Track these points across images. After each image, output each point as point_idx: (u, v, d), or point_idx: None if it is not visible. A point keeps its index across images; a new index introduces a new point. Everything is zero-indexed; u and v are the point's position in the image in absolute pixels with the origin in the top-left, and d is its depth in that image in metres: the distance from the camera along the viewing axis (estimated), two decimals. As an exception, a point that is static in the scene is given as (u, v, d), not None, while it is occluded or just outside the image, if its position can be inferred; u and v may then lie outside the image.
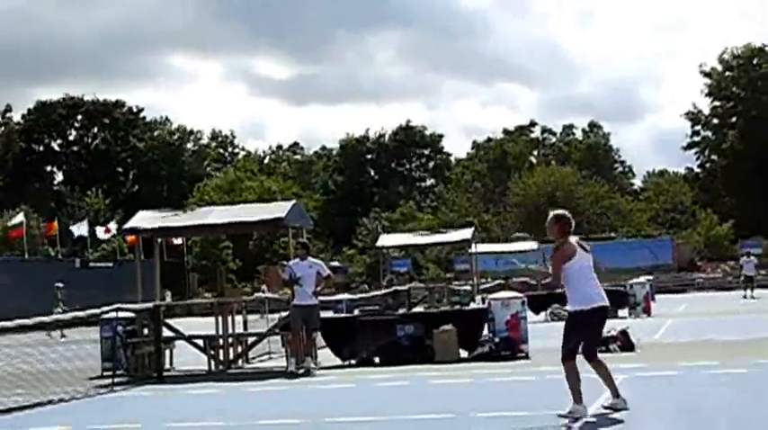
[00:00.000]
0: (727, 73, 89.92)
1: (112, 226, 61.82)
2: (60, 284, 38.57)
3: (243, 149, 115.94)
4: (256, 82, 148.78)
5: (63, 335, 33.53)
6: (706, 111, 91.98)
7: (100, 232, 63.49)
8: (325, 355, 19.49)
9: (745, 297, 39.65)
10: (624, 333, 18.55)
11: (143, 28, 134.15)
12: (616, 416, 10.65)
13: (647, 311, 31.07)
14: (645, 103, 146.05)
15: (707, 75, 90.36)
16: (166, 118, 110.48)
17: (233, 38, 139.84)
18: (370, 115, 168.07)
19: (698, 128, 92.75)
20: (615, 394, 10.90)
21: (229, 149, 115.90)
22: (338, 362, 18.95)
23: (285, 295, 19.27)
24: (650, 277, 37.21)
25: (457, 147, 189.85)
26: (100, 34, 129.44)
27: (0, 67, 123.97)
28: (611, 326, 19.49)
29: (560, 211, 11.47)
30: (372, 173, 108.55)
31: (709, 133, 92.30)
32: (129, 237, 43.65)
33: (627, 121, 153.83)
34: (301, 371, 17.58)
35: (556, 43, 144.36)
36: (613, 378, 10.98)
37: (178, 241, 59.10)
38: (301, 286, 17.83)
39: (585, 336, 10.98)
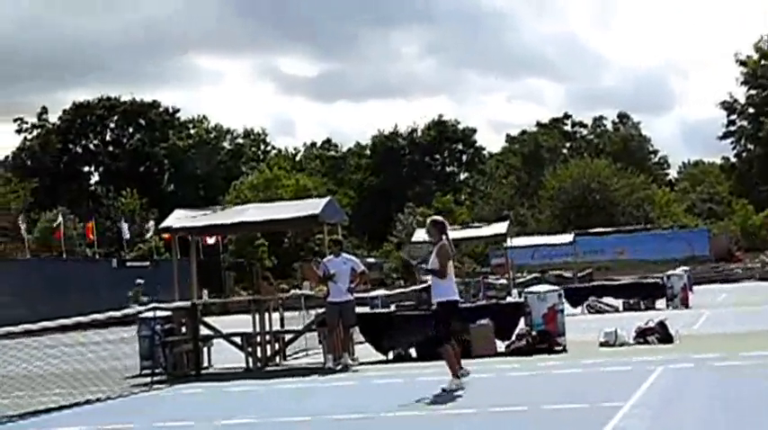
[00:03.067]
0: (762, 61, 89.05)
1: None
2: (141, 281, 38.23)
3: (273, 148, 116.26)
4: (284, 80, 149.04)
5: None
6: (742, 100, 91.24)
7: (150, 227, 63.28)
8: (363, 351, 19.51)
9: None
10: (662, 324, 18.45)
11: (169, 30, 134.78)
12: (651, 409, 10.60)
13: (685, 303, 30.89)
14: (673, 94, 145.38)
15: (742, 63, 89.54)
16: (204, 116, 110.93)
17: (259, 37, 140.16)
18: (398, 111, 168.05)
19: (734, 117, 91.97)
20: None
21: (262, 147, 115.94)
22: (375, 357, 18.95)
23: (320, 292, 19.29)
24: (687, 268, 36.92)
25: (485, 141, 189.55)
26: (126, 37, 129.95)
27: (34, 71, 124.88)
28: (649, 318, 19.45)
29: (437, 217, 14.09)
30: (406, 168, 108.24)
31: (745, 122, 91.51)
32: (166, 236, 43.86)
33: (656, 113, 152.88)
34: (339, 367, 17.59)
35: (580, 35, 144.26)
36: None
37: (213, 240, 59.40)
38: (336, 282, 17.89)
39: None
